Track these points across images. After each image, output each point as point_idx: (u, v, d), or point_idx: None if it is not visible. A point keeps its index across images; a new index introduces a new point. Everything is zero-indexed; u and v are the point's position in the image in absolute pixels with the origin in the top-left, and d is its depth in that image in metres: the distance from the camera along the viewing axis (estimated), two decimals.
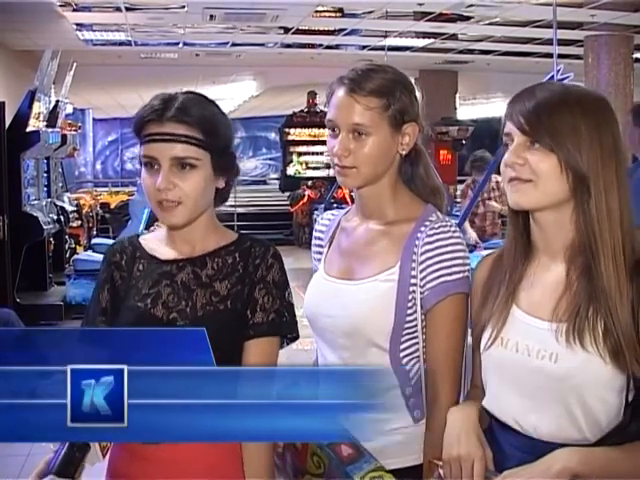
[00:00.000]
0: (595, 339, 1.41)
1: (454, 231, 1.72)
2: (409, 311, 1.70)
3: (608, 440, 1.41)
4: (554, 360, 1.44)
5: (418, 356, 1.72)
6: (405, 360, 1.72)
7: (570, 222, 1.48)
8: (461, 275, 1.69)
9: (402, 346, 1.71)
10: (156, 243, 1.77)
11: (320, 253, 1.91)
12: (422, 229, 1.71)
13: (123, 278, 1.74)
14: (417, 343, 1.72)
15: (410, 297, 1.70)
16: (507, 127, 1.50)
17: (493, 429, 1.56)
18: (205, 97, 1.74)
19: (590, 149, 1.44)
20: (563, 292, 1.48)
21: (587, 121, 1.45)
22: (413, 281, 1.70)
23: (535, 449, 1.46)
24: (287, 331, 1.72)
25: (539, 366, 1.45)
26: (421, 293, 1.69)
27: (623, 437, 1.41)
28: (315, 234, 1.96)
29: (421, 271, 1.69)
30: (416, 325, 1.71)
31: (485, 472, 1.47)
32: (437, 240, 1.69)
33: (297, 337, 1.75)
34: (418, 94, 1.78)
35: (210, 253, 1.73)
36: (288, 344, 1.76)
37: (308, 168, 14.71)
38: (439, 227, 1.71)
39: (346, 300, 1.73)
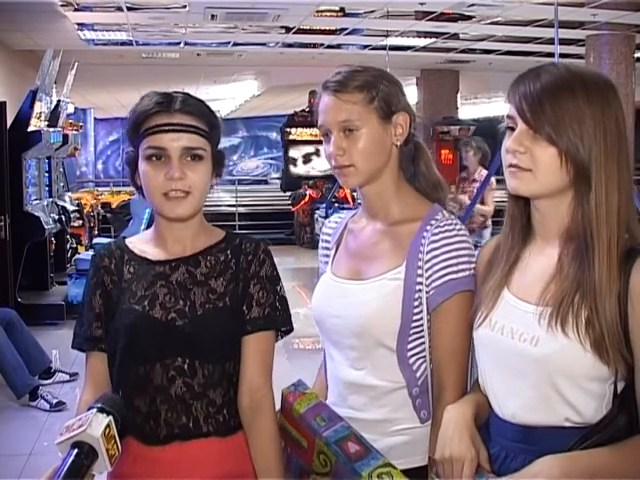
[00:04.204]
0: (577, 326, 1.38)
1: (460, 229, 1.70)
2: (415, 310, 1.69)
3: (596, 432, 1.38)
4: (534, 343, 1.41)
5: (425, 356, 1.71)
6: (412, 360, 1.71)
7: (568, 210, 1.46)
8: (467, 273, 1.67)
9: (409, 346, 1.70)
10: (144, 245, 1.77)
11: (327, 256, 1.91)
12: (428, 228, 1.70)
13: (114, 282, 1.74)
14: (424, 343, 1.71)
15: (416, 296, 1.69)
16: (510, 110, 1.46)
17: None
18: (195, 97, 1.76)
19: (594, 140, 1.40)
20: (553, 276, 1.45)
21: (592, 109, 1.41)
22: (419, 280, 1.69)
23: (514, 434, 1.45)
24: (282, 324, 1.74)
25: (520, 349, 1.43)
26: (427, 292, 1.68)
27: (612, 429, 1.38)
28: (322, 237, 1.96)
29: (427, 270, 1.68)
30: (423, 325, 1.70)
31: (476, 474, 1.45)
32: (443, 238, 1.68)
33: (291, 330, 1.76)
34: (417, 92, 1.77)
35: (202, 252, 1.73)
36: (282, 337, 1.77)
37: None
38: (444, 225, 1.70)
39: (353, 300, 1.73)
